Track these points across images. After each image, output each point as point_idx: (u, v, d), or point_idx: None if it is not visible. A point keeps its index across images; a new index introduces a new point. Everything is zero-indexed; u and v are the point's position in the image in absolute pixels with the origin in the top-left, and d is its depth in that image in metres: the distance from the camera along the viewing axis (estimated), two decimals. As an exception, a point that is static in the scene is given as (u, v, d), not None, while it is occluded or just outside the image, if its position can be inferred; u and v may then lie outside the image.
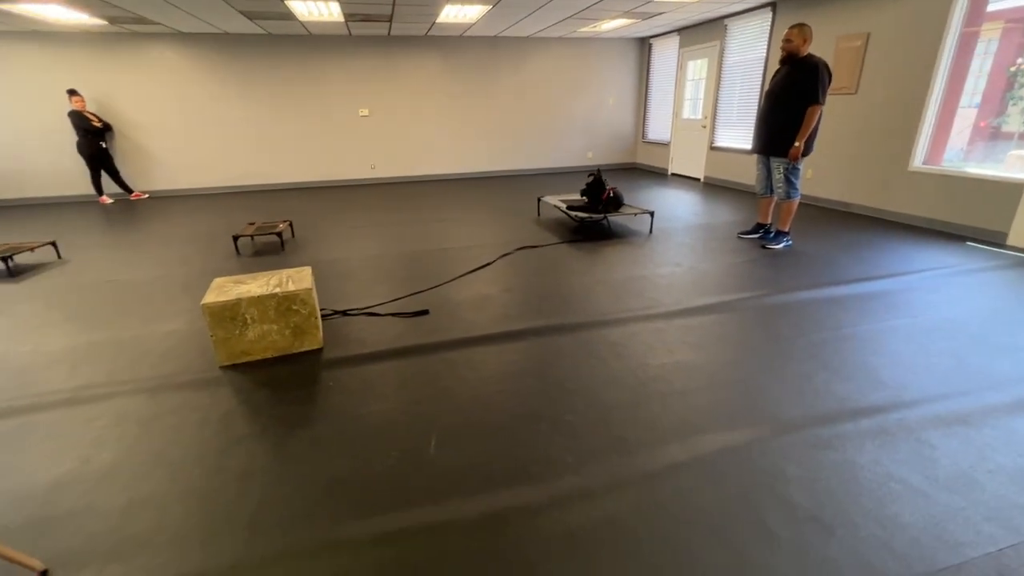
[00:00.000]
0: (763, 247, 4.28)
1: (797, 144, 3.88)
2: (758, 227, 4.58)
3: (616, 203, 4.89)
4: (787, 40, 3.83)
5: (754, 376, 2.29)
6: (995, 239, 4.23)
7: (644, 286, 3.46)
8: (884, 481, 1.63)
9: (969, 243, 4.24)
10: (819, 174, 5.85)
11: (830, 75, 3.79)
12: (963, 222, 4.48)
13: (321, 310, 3.06)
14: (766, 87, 4.26)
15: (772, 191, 4.31)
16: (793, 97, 3.84)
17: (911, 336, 2.62)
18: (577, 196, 5.38)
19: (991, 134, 4.77)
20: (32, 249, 4.23)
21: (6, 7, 5.27)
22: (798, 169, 4.07)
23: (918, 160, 4.83)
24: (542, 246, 4.47)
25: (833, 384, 2.20)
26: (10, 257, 4.09)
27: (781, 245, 4.27)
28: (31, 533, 1.53)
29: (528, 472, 1.72)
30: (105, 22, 6.15)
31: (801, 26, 3.78)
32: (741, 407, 2.06)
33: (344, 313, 3.11)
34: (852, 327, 2.75)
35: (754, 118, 6.45)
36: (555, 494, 1.62)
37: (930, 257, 3.91)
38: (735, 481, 1.65)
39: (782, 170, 4.08)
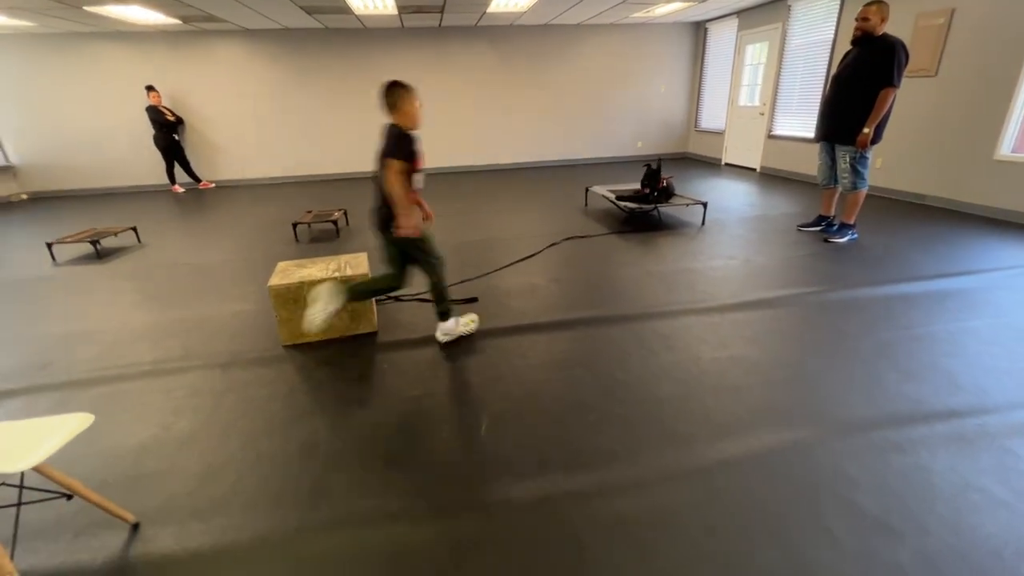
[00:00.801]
0: (825, 240, 4.06)
1: (867, 130, 3.62)
2: (820, 219, 4.34)
3: (667, 193, 4.76)
4: (863, 19, 3.57)
5: (815, 374, 2.20)
6: (1096, 235, 3.83)
7: (696, 279, 3.37)
8: (962, 489, 1.53)
9: (1064, 239, 3.86)
10: (889, 163, 5.47)
11: (907, 56, 3.51)
12: (1058, 216, 4.08)
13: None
14: (833, 71, 3.98)
15: (836, 181, 4.06)
16: (865, 80, 3.58)
17: (993, 338, 2.43)
18: (627, 187, 5.28)
19: (1096, 118, 4.30)
20: (116, 234, 4.60)
21: (93, 9, 5.71)
22: (866, 158, 3.81)
23: (1006, 148, 4.42)
24: (591, 236, 4.43)
25: (903, 385, 2.08)
26: (98, 241, 4.46)
27: (845, 239, 4.04)
28: (124, 489, 1.69)
29: (578, 459, 1.73)
30: (179, 21, 6.54)
31: (880, 2, 3.51)
32: (801, 405, 1.98)
33: (397, 299, 3.21)
34: (925, 327, 2.58)
35: (818, 104, 6.09)
36: (606, 482, 1.62)
37: (1014, 253, 3.58)
38: (793, 480, 1.60)
39: (848, 159, 3.84)
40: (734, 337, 2.56)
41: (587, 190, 5.62)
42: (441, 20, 7.34)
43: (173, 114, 7.58)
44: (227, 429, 1.98)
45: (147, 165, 7.93)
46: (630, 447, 1.78)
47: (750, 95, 7.74)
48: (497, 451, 1.79)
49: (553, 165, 9.13)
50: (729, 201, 5.71)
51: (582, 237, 4.42)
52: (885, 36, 3.55)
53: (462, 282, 3.46)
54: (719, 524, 1.44)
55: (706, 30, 8.60)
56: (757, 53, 7.46)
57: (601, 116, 9.05)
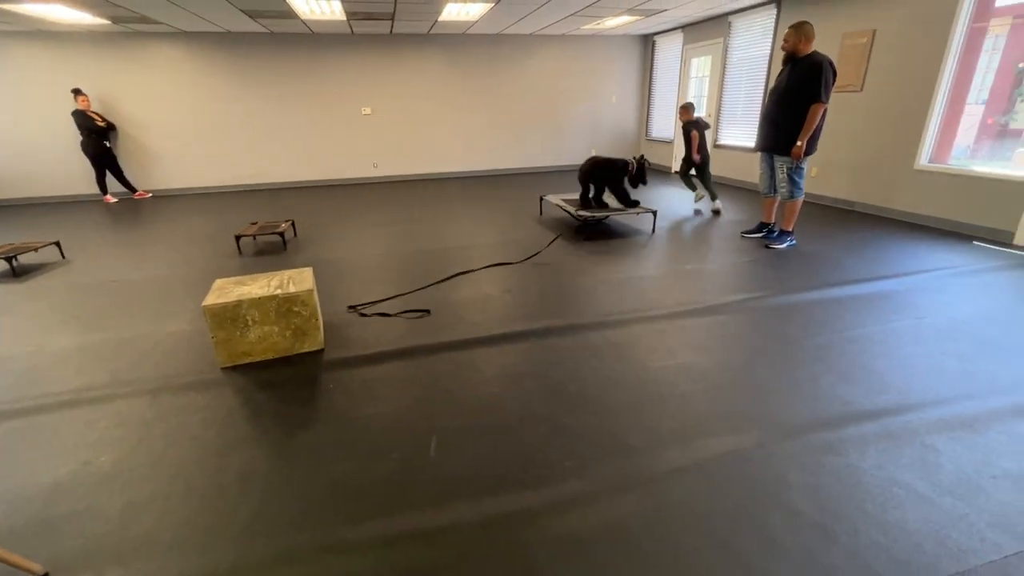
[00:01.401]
0: (766, 247, 4.26)
1: (799, 143, 3.84)
2: (762, 226, 4.56)
3: (643, 173, 4.87)
4: (785, 40, 3.83)
5: (758, 379, 2.28)
6: (1002, 239, 4.18)
7: (647, 286, 3.44)
8: (887, 487, 1.61)
9: (976, 243, 4.19)
10: (824, 172, 5.81)
11: (835, 73, 3.73)
12: (970, 221, 4.44)
13: (351, 308, 3.07)
14: (770, 85, 4.21)
15: (776, 190, 4.28)
16: (796, 96, 3.80)
17: (917, 338, 2.60)
18: (574, 196, 5.36)
19: (998, 132, 4.71)
20: (36, 249, 4.25)
21: (8, 7, 5.29)
22: (802, 168, 4.04)
23: (924, 158, 4.78)
24: (542, 254, 4.46)
25: (838, 387, 2.18)
26: (14, 257, 4.11)
27: (784, 245, 4.26)
28: (32, 536, 1.53)
29: (529, 475, 1.72)
30: (108, 21, 6.15)
31: (798, 25, 3.75)
32: (744, 410, 2.04)
33: (361, 313, 3.11)
34: (857, 328, 2.73)
35: (759, 115, 6.40)
36: (556, 498, 1.61)
37: (936, 257, 3.87)
38: (738, 486, 1.64)
39: (785, 169, 4.05)
40: (682, 344, 2.62)
41: (542, 199, 5.66)
42: (392, 27, 7.25)
43: (103, 119, 7.11)
44: (154, 461, 1.85)
45: (75, 174, 7.39)
46: (580, 460, 1.78)
47: (697, 106, 8.03)
48: (446, 471, 1.75)
49: (509, 173, 9.17)
50: (678, 209, 5.89)
51: (544, 258, 4.44)
52: (813, 55, 3.75)
53: (412, 292, 3.39)
54: (667, 535, 1.46)
55: (654, 43, 8.89)
56: (702, 66, 7.78)
57: (555, 125, 9.18)
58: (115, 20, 6.10)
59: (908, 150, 4.88)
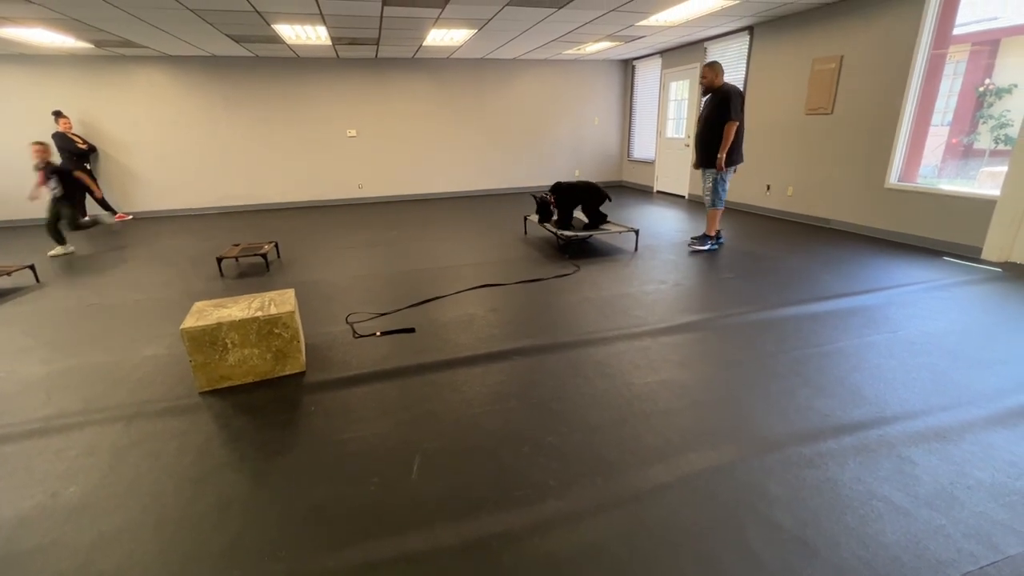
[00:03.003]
0: (690, 247, 4.87)
1: (720, 155, 4.47)
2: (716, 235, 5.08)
3: (574, 192, 5.01)
4: (702, 76, 4.55)
5: (738, 394, 2.30)
6: (970, 254, 4.32)
7: (630, 304, 3.48)
8: (866, 499, 1.63)
9: (946, 258, 4.33)
10: (799, 191, 5.98)
11: (742, 98, 4.48)
12: (939, 237, 4.59)
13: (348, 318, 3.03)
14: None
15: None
16: (715, 120, 4.44)
17: (891, 351, 2.66)
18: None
19: (963, 152, 4.92)
20: (9, 273, 4.16)
21: (-10, 31, 5.27)
22: (725, 180, 4.63)
23: (894, 177, 4.96)
24: (534, 280, 4.49)
25: (815, 401, 2.21)
26: (-14, 281, 4.01)
27: (706, 247, 4.81)
28: (-6, 572, 1.47)
29: (511, 497, 1.70)
30: (91, 45, 6.16)
31: (710, 64, 4.50)
32: (725, 426, 2.06)
33: (375, 334, 3.08)
34: (833, 343, 2.78)
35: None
36: (538, 519, 1.60)
37: (908, 272, 3.98)
38: (719, 502, 1.64)
39: (711, 180, 4.65)
40: (664, 361, 2.64)
41: (525, 218, 5.72)
42: (377, 52, 7.37)
43: (85, 141, 7.06)
44: (126, 491, 1.79)
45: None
46: (563, 479, 1.77)
47: (676, 127, 8.26)
48: (428, 494, 1.73)
49: (493, 194, 9.27)
50: (660, 227, 6.00)
51: (531, 281, 4.47)
52: (723, 85, 4.46)
53: (397, 311, 3.38)
54: (649, 553, 1.45)
55: (634, 67, 9.16)
56: (680, 89, 8.01)
57: (539, 146, 9.33)
58: (98, 44, 6.11)
59: (878, 169, 5.05)
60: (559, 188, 5.05)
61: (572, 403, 2.26)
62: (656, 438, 1.99)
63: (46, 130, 6.87)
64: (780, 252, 4.65)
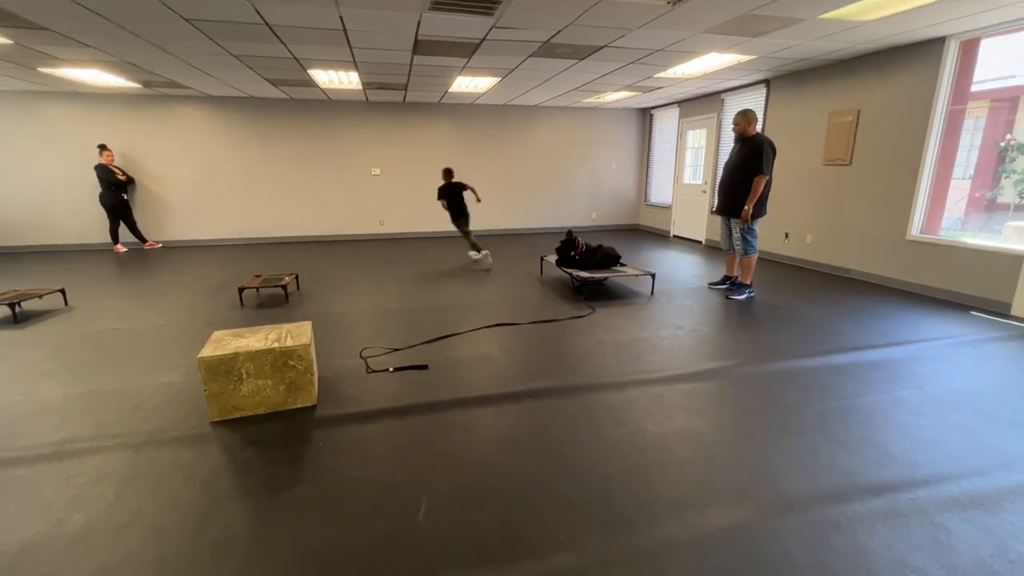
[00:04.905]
0: (727, 297, 4.71)
1: (747, 208, 4.43)
2: (725, 279, 5.09)
3: (595, 257, 5.03)
4: (734, 124, 4.56)
5: (757, 447, 2.21)
6: (999, 309, 4.20)
7: (644, 348, 3.43)
8: (898, 569, 1.53)
9: (973, 312, 4.21)
10: (818, 240, 5.94)
11: (774, 151, 4.44)
12: (965, 291, 4.47)
13: (362, 352, 3.04)
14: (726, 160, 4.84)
15: (734, 248, 4.76)
16: (744, 169, 4.44)
17: (919, 408, 2.55)
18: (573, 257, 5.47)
19: (986, 205, 4.86)
20: (40, 296, 4.30)
21: (48, 70, 5.68)
22: (753, 229, 4.58)
23: (915, 229, 4.90)
24: (548, 321, 4.49)
25: (840, 458, 2.12)
26: (18, 303, 4.14)
27: (743, 296, 4.69)
28: (-9, 601, 1.45)
29: (520, 547, 1.63)
30: (140, 85, 6.58)
31: (744, 112, 4.49)
32: (744, 480, 1.97)
33: (387, 370, 3.08)
34: (857, 397, 2.68)
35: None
36: (546, 572, 1.52)
37: (933, 326, 3.87)
38: (739, 564, 1.55)
39: (739, 230, 4.61)
40: (680, 409, 2.57)
41: (542, 259, 5.77)
42: (405, 96, 7.72)
43: (124, 173, 7.42)
44: (130, 522, 1.77)
45: (89, 224, 7.61)
46: (573, 531, 1.70)
47: (693, 174, 8.37)
48: (433, 539, 1.67)
49: (511, 233, 9.40)
50: (676, 272, 5.98)
51: (546, 321, 4.47)
52: (756, 136, 4.46)
53: (411, 347, 3.38)
54: (663, 619, 1.37)
55: (651, 116, 9.40)
56: (697, 137, 8.17)
57: (557, 189, 9.52)
58: (146, 84, 6.52)
59: (899, 221, 5.01)
60: (589, 249, 5.12)
61: (585, 449, 2.20)
62: (671, 491, 1.91)
63: (90, 161, 7.27)
64: (799, 301, 4.58)
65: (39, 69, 5.60)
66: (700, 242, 8.14)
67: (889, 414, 2.49)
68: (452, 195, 6.36)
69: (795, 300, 4.62)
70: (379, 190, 8.70)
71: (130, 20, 3.89)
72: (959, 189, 4.88)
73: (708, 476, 2.01)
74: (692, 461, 2.11)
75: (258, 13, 3.73)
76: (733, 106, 7.20)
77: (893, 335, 3.67)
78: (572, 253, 5.18)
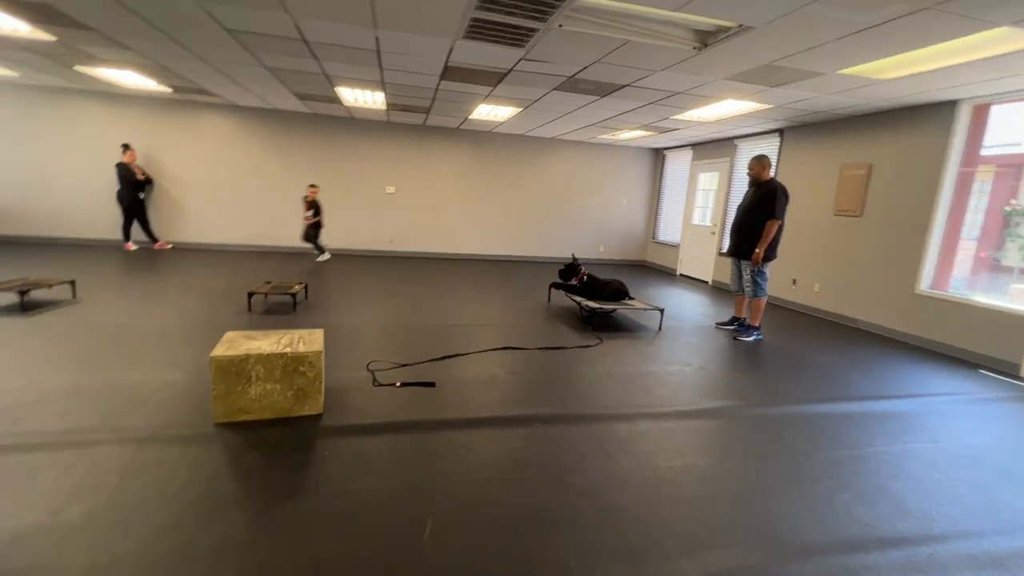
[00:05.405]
0: (735, 339, 4.69)
1: (758, 251, 4.51)
2: (733, 319, 5.08)
3: (602, 292, 5.10)
4: (749, 168, 4.69)
5: (769, 490, 2.17)
6: (1008, 369, 4.18)
7: (652, 382, 3.40)
8: (919, 626, 1.47)
9: (982, 371, 4.19)
10: (826, 288, 5.96)
11: (787, 196, 4.52)
12: (974, 349, 4.47)
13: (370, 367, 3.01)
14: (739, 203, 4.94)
15: (743, 289, 4.80)
16: (757, 213, 4.53)
17: (933, 463, 2.51)
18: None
19: (992, 266, 4.91)
20: (50, 286, 4.29)
21: (85, 70, 5.83)
22: (764, 272, 4.64)
23: (925, 284, 4.93)
24: (556, 348, 4.47)
25: (855, 508, 2.07)
26: (27, 292, 4.14)
27: (751, 338, 4.69)
28: (-20, 590, 1.39)
29: (529, 573, 1.58)
30: (170, 90, 6.75)
31: (759, 157, 4.64)
32: (755, 522, 1.93)
33: (394, 384, 3.05)
34: (870, 447, 2.64)
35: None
36: (556, 604, 1.47)
37: (943, 382, 3.84)
38: (754, 609, 1.50)
39: (749, 272, 4.67)
40: (690, 445, 2.53)
41: (551, 287, 5.79)
42: (426, 119, 7.90)
43: (144, 173, 7.53)
44: (128, 518, 1.72)
45: (101, 218, 7.67)
46: (584, 561, 1.65)
47: (703, 215, 8.48)
48: (434, 563, 1.62)
49: (520, 260, 9.45)
50: (683, 309, 5.98)
51: (550, 348, 4.46)
52: (771, 181, 4.58)
53: (418, 363, 3.35)
54: (677, 660, 1.31)
55: (664, 156, 9.59)
56: (709, 180, 8.31)
57: (568, 220, 9.63)
58: (176, 89, 6.69)
59: (908, 275, 5.04)
60: (593, 281, 5.20)
61: (593, 479, 2.16)
62: (683, 528, 1.87)
63: (113, 159, 7.38)
64: (807, 347, 4.57)
65: (75, 68, 5.75)
66: (707, 282, 8.17)
67: (902, 466, 2.45)
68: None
69: (803, 346, 4.61)
70: (392, 208, 8.80)
71: (173, 26, 4.02)
72: (965, 250, 4.93)
73: (719, 515, 1.96)
74: (703, 499, 2.06)
75: (298, 28, 3.86)
76: (746, 152, 7.36)
77: (903, 387, 3.64)
78: (573, 280, 5.23)
